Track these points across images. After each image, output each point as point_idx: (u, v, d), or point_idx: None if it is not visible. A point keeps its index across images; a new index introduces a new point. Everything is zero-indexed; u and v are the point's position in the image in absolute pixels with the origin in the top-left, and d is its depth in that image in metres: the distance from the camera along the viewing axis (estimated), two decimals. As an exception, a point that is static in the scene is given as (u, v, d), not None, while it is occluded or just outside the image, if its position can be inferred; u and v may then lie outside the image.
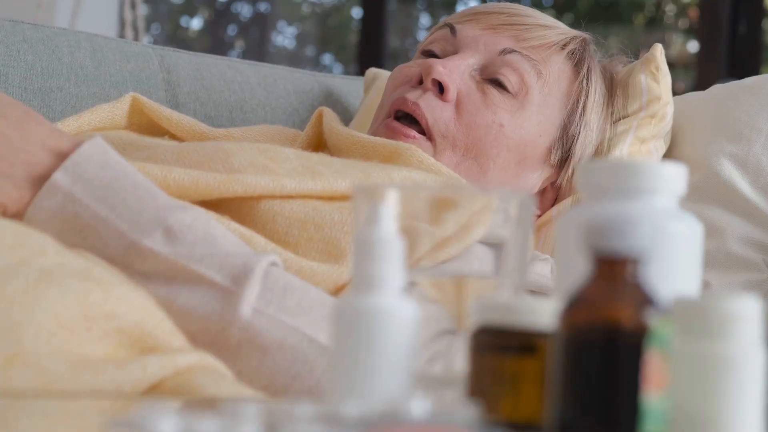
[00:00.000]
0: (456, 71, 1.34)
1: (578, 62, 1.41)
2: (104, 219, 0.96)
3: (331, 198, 1.15)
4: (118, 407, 0.83)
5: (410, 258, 0.78)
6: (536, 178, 1.39)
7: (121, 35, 3.51)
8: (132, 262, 0.96)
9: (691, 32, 4.49)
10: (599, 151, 1.44)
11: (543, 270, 1.21)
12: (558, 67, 1.39)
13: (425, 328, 0.72)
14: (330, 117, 1.41)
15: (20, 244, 0.92)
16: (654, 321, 0.62)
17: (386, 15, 4.00)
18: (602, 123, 1.44)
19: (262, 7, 5.82)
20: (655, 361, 0.61)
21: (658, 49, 1.49)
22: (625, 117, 1.46)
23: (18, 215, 0.98)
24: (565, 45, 1.40)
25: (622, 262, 0.64)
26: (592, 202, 0.76)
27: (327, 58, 5.81)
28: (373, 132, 1.37)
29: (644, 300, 0.63)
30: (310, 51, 5.85)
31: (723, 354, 0.61)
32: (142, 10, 3.46)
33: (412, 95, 1.34)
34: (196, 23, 5.97)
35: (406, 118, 1.34)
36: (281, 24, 5.79)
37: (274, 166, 1.15)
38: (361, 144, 1.31)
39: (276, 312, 0.96)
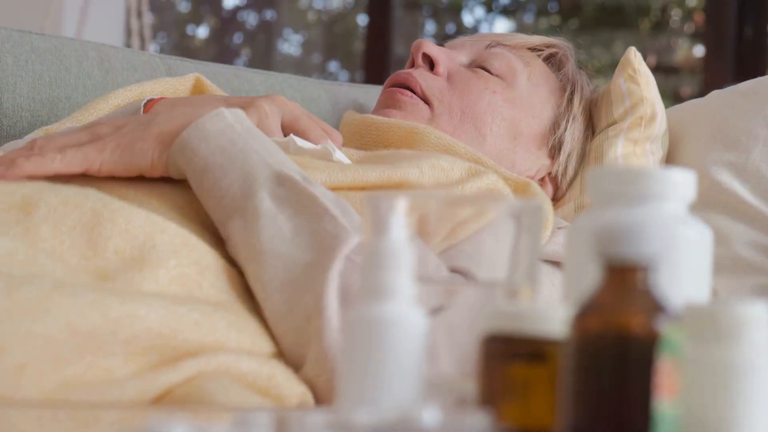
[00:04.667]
0: (445, 54, 1.41)
1: (558, 65, 1.47)
2: (255, 150, 1.06)
3: (362, 188, 1.16)
4: (128, 417, 0.83)
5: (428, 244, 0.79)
6: (532, 162, 1.42)
7: (128, 44, 3.52)
8: (272, 186, 1.03)
9: (697, 36, 4.48)
10: (595, 155, 1.47)
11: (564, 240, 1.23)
12: (541, 66, 1.45)
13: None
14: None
15: (31, 262, 0.93)
16: (665, 328, 0.62)
17: (392, 22, 4.01)
18: (586, 124, 1.49)
19: (268, 15, 5.82)
20: (666, 367, 0.61)
21: (632, 52, 1.52)
22: (613, 123, 1.49)
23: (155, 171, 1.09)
24: (546, 47, 1.47)
25: (632, 269, 0.64)
26: (601, 209, 0.76)
27: (333, 66, 5.82)
28: (375, 112, 1.42)
29: (655, 307, 0.63)
30: (316, 58, 5.86)
31: (734, 359, 0.61)
32: (149, 18, 3.47)
33: (404, 70, 1.41)
34: (202, 32, 5.97)
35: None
36: (287, 32, 5.79)
37: (303, 161, 1.16)
38: (376, 126, 1.35)
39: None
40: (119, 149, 1.08)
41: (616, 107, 1.49)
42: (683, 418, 0.61)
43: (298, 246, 1.00)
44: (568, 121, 1.44)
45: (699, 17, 4.40)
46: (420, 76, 1.39)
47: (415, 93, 1.38)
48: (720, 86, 1.67)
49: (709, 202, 1.44)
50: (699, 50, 4.38)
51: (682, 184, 0.76)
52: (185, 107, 1.17)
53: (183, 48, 5.68)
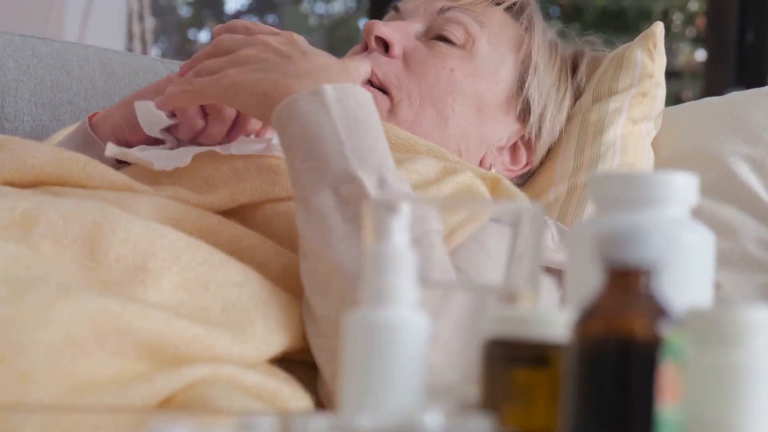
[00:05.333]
0: (399, 31, 1.34)
1: (518, 13, 1.40)
2: (340, 141, 1.04)
3: None
4: (130, 423, 0.83)
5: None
6: (501, 130, 1.37)
7: (129, 48, 3.52)
8: (338, 184, 1.03)
9: (698, 41, 4.49)
10: (593, 130, 1.42)
11: (545, 239, 1.19)
12: (499, 18, 1.38)
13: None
14: None
15: (36, 266, 0.93)
16: (668, 332, 0.62)
17: (394, 26, 4.01)
18: (555, 76, 1.41)
19: (270, 19, 5.83)
20: (669, 371, 0.61)
21: (659, 27, 1.47)
22: (615, 93, 1.44)
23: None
24: (502, 0, 1.39)
25: (635, 273, 0.64)
26: (604, 213, 0.76)
27: (334, 70, 5.81)
28: None
29: (658, 311, 0.63)
30: (317, 62, 5.84)
31: (737, 364, 0.61)
32: (150, 23, 3.47)
33: (358, 57, 1.33)
34: (203, 36, 5.98)
35: None
36: (289, 36, 5.79)
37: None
38: None
39: None
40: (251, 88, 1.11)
41: (624, 74, 1.44)
42: (686, 422, 0.61)
43: (344, 252, 1.00)
44: (530, 75, 1.37)
45: (700, 21, 4.41)
46: (375, 63, 1.32)
47: (371, 84, 1.32)
48: (722, 90, 1.67)
49: (723, 193, 1.42)
50: (701, 54, 4.38)
51: (685, 188, 0.76)
52: (320, 72, 1.13)
53: (184, 52, 5.68)
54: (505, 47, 1.37)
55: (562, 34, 1.47)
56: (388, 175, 1.04)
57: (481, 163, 1.36)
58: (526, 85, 1.37)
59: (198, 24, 5.93)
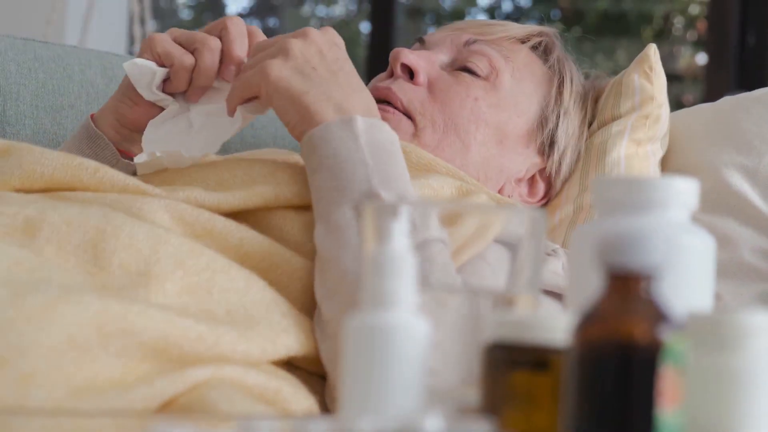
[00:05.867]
0: (425, 59, 1.37)
1: (545, 52, 1.42)
2: (366, 164, 1.09)
3: None
4: (131, 426, 0.83)
5: None
6: (521, 162, 1.38)
7: (131, 51, 3.52)
8: (358, 201, 1.07)
9: (699, 44, 4.49)
10: (597, 153, 1.43)
11: (555, 267, 1.20)
12: (525, 56, 1.40)
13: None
14: None
15: (39, 269, 0.93)
16: (668, 336, 0.62)
17: (394, 30, 4.01)
18: (581, 117, 1.44)
19: (271, 22, 5.83)
20: (669, 376, 0.61)
21: (652, 49, 1.49)
22: (618, 117, 1.45)
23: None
24: (528, 37, 1.42)
25: (635, 277, 0.64)
26: (604, 217, 0.77)
27: (335, 73, 5.81)
28: None
29: (658, 315, 0.63)
30: (318, 66, 5.84)
31: (737, 368, 0.61)
32: (151, 26, 3.47)
33: (384, 84, 1.36)
34: (204, 39, 5.98)
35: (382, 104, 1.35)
36: (290, 39, 5.80)
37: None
38: None
39: None
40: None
41: (625, 101, 1.46)
42: (686, 426, 0.61)
43: (355, 260, 1.03)
44: (559, 116, 1.40)
45: (701, 25, 4.41)
46: (400, 89, 1.34)
47: (396, 108, 1.34)
48: (723, 94, 1.66)
49: (718, 204, 1.42)
50: (701, 58, 4.38)
51: (685, 192, 0.77)
52: (352, 94, 1.18)
53: (185, 55, 5.68)
54: (529, 82, 1.39)
55: (563, 38, 1.48)
56: (410, 196, 1.09)
57: (499, 193, 1.37)
58: (551, 122, 1.39)
59: (199, 27, 5.93)
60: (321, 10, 5.85)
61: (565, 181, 1.44)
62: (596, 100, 1.49)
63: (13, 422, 0.81)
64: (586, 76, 1.49)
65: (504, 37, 1.40)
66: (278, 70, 1.15)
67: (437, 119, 1.33)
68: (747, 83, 3.19)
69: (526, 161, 1.39)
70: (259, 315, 1.00)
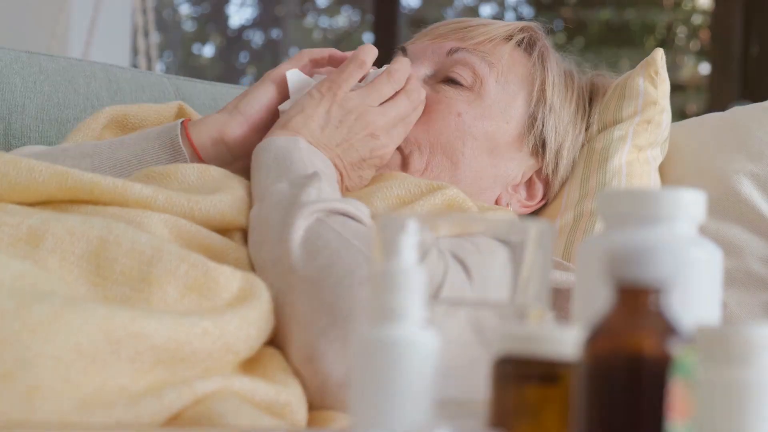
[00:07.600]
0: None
1: (528, 47, 1.40)
2: (298, 161, 1.17)
3: None
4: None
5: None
6: (515, 167, 1.38)
7: (134, 63, 3.53)
8: (297, 193, 1.11)
9: (702, 54, 4.49)
10: (599, 158, 1.42)
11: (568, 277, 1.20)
12: (509, 55, 1.38)
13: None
14: None
15: (43, 281, 0.94)
16: (677, 350, 0.62)
17: (397, 40, 4.01)
18: (572, 111, 1.42)
19: (274, 33, 5.84)
20: (678, 389, 0.61)
21: (659, 54, 1.48)
22: (620, 121, 1.44)
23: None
24: (510, 36, 1.40)
25: (644, 291, 0.64)
26: (612, 230, 0.76)
27: (338, 84, 5.81)
28: None
29: (667, 329, 0.63)
30: (321, 77, 5.85)
31: (746, 381, 0.61)
32: (155, 38, 3.48)
33: None
34: (208, 50, 5.99)
35: None
36: (293, 50, 5.81)
37: None
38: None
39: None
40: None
41: (628, 104, 1.45)
42: (696, 440, 0.61)
43: (276, 209, 1.09)
44: (544, 113, 1.38)
45: (704, 35, 4.41)
46: None
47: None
48: (726, 104, 1.67)
49: (727, 211, 1.42)
50: (705, 68, 4.38)
51: (692, 204, 0.76)
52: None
53: (189, 67, 5.69)
54: (515, 84, 1.38)
55: (564, 49, 1.47)
56: (330, 181, 1.16)
57: (497, 203, 1.37)
58: (539, 121, 1.38)
59: (202, 39, 5.94)
60: (324, 21, 5.86)
61: (565, 181, 1.43)
62: (594, 96, 1.47)
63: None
64: (586, 72, 1.48)
65: (486, 39, 1.38)
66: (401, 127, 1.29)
67: (422, 141, 1.32)
68: (750, 93, 3.20)
69: (521, 165, 1.38)
70: (258, 292, 1.01)
